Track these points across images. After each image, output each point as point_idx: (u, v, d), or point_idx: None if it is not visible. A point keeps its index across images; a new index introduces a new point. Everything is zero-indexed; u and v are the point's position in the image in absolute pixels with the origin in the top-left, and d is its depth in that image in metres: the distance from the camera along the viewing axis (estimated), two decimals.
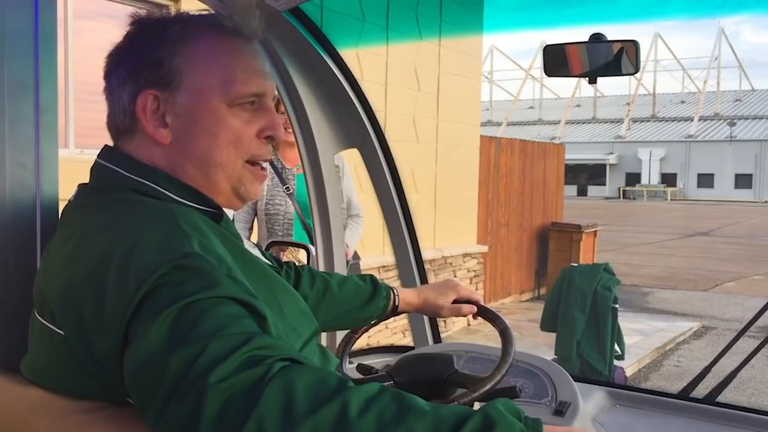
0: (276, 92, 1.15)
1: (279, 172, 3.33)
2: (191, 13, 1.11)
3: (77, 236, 0.94)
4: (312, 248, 2.11)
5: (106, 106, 1.09)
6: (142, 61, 1.04)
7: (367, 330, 1.72)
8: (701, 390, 1.82)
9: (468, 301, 1.66)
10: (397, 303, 1.63)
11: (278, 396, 0.72)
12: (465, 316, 1.66)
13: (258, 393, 0.72)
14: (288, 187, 3.31)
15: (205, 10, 1.14)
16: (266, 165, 1.14)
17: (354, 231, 3.67)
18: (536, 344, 7.11)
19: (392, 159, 2.04)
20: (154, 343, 0.78)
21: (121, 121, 1.06)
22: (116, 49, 1.08)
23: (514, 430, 0.73)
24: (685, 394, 1.82)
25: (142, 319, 0.81)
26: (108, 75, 1.08)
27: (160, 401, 0.76)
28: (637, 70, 1.38)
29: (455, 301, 1.66)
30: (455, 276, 7.64)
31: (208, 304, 0.82)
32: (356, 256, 3.79)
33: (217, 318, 0.81)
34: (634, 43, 1.38)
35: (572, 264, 4.58)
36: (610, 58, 1.45)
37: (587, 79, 1.45)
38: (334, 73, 1.84)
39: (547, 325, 4.40)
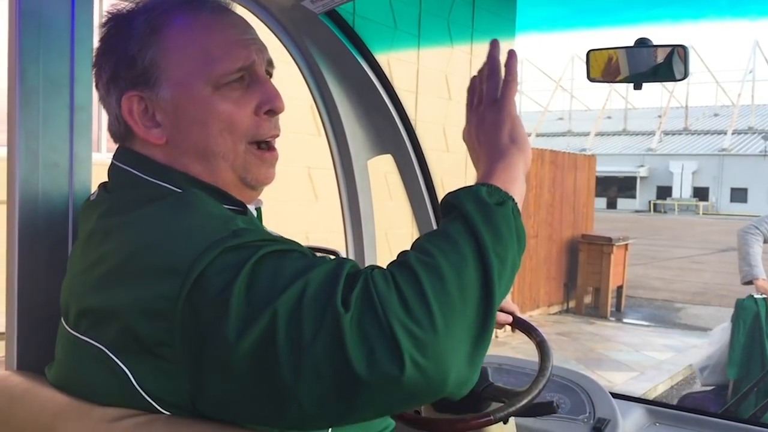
0: (270, 57, 1.05)
1: None
2: None
3: (97, 237, 0.91)
4: (342, 254, 2.07)
5: None
6: (117, 62, 0.98)
7: None
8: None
9: (502, 311, 1.61)
10: None
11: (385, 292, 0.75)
12: (501, 325, 1.60)
13: (373, 301, 0.74)
14: None
15: None
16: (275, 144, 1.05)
17: None
18: (566, 358, 7.01)
19: (426, 166, 2.00)
20: (242, 308, 0.75)
21: (116, 129, 1.02)
22: (95, 55, 1.03)
23: None
24: (728, 413, 1.76)
25: (208, 297, 0.76)
26: (96, 83, 1.03)
27: (288, 349, 0.73)
28: (686, 76, 1.33)
29: None
30: None
31: (279, 256, 0.80)
32: None
33: (298, 261, 0.80)
34: (683, 48, 1.33)
35: (752, 295, 3.98)
36: (656, 63, 1.40)
37: (632, 85, 1.41)
38: (369, 78, 1.81)
39: (735, 372, 3.83)
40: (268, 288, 0.76)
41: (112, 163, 1.03)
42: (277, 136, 1.04)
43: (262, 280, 0.76)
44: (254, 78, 1.00)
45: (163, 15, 0.98)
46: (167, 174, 0.98)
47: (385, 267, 0.81)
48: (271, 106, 1.00)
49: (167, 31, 0.97)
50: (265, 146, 1.02)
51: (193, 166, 0.99)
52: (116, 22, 1.01)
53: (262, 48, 1.02)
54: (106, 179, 1.04)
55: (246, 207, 1.01)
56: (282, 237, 0.88)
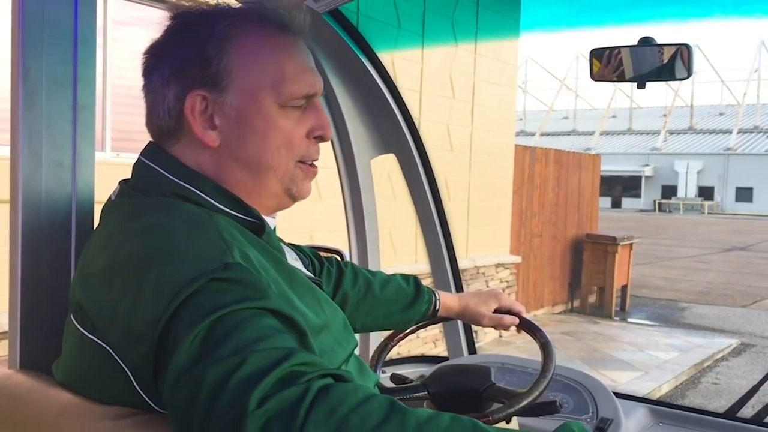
0: (322, 87, 1.10)
1: None
2: (235, 6, 1.06)
3: (115, 241, 0.92)
4: (346, 253, 2.08)
5: (145, 104, 1.04)
6: (189, 59, 0.99)
7: (402, 338, 1.68)
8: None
9: (509, 312, 1.60)
10: (437, 307, 1.58)
11: (321, 422, 0.68)
12: (507, 327, 1.60)
13: (295, 415, 0.68)
14: None
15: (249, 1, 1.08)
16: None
17: None
18: (570, 358, 7.00)
19: (429, 165, 2.00)
20: (187, 357, 0.75)
21: (165, 123, 1.01)
22: (157, 45, 1.03)
23: None
24: (731, 413, 1.75)
25: (176, 330, 0.77)
26: (149, 72, 1.02)
27: (197, 422, 0.71)
28: (689, 75, 1.33)
29: (496, 311, 1.60)
30: (487, 286, 7.56)
31: (246, 315, 0.78)
32: None
33: (256, 329, 0.77)
34: (687, 47, 1.33)
35: None
36: (659, 63, 1.40)
37: (636, 84, 1.40)
38: (373, 77, 1.81)
39: None
40: (212, 348, 0.75)
41: (139, 159, 1.03)
42: (317, 159, 1.10)
43: (215, 337, 0.76)
44: (312, 104, 1.06)
45: (248, 25, 1.01)
46: (194, 178, 0.99)
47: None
48: (321, 133, 1.06)
49: (249, 42, 1.00)
50: (308, 163, 1.07)
51: (239, 172, 1.01)
52: (190, 20, 1.02)
53: (321, 80, 1.09)
54: (110, 177, 1.04)
55: (264, 221, 1.02)
56: (267, 286, 0.85)
